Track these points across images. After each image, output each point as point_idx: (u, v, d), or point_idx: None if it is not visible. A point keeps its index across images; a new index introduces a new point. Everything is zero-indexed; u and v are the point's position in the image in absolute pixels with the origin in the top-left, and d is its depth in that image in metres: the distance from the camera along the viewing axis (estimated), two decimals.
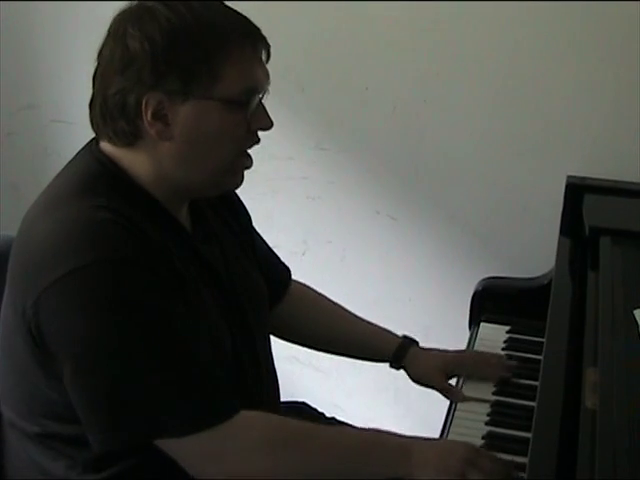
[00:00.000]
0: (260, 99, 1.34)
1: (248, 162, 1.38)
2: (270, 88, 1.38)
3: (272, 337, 1.61)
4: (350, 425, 1.69)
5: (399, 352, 1.70)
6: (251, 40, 1.32)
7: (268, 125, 1.37)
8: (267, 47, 1.35)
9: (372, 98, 2.30)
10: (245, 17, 1.35)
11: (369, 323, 1.75)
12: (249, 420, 1.28)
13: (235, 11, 1.34)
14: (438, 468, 1.29)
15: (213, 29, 1.28)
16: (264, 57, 1.35)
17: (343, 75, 2.32)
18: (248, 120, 1.33)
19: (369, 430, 1.38)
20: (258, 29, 1.34)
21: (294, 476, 1.28)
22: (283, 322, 1.70)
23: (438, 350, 1.73)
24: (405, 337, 1.73)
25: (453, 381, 1.72)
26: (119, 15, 1.31)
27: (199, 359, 1.26)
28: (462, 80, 2.22)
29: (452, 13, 2.16)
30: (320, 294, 1.78)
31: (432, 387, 1.70)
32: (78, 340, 1.21)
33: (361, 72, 2.30)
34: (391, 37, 2.24)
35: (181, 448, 1.25)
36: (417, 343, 1.73)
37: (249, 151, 1.38)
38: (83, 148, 1.38)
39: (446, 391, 1.68)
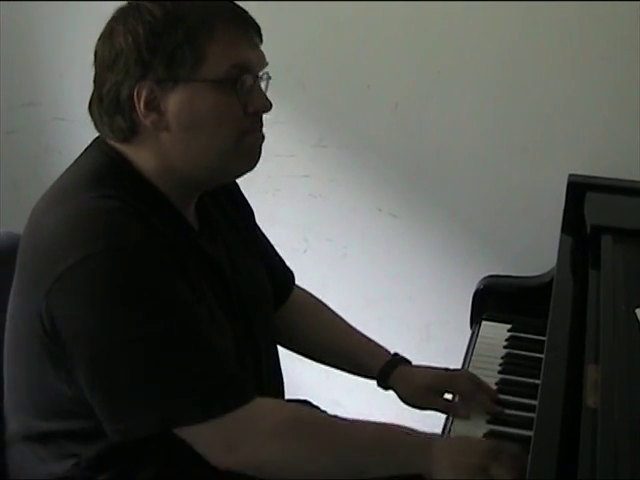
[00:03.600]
0: (255, 81, 1.33)
1: (258, 139, 1.35)
2: (271, 85, 1.37)
3: None
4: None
5: (386, 369, 1.60)
6: (235, 20, 1.31)
7: (265, 107, 1.34)
8: (256, 29, 1.34)
9: (374, 96, 2.30)
10: (230, 2, 1.34)
11: (363, 337, 1.66)
12: (264, 407, 1.28)
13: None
14: (457, 465, 1.27)
15: (194, 13, 1.28)
16: (256, 40, 1.33)
17: (344, 73, 2.32)
18: (242, 101, 1.31)
19: (388, 425, 1.35)
20: (244, 11, 1.33)
21: (308, 466, 1.28)
22: (282, 328, 1.64)
23: (430, 368, 1.61)
24: (395, 354, 1.64)
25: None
26: (110, 17, 1.32)
27: (212, 345, 1.26)
28: (463, 78, 2.22)
29: (453, 11, 2.16)
30: (320, 301, 1.72)
31: (427, 408, 1.58)
32: (92, 328, 1.21)
33: (362, 70, 2.30)
34: (392, 35, 2.24)
35: (198, 435, 1.24)
36: (409, 362, 1.63)
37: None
38: (91, 144, 1.38)
39: (445, 408, 1.57)
